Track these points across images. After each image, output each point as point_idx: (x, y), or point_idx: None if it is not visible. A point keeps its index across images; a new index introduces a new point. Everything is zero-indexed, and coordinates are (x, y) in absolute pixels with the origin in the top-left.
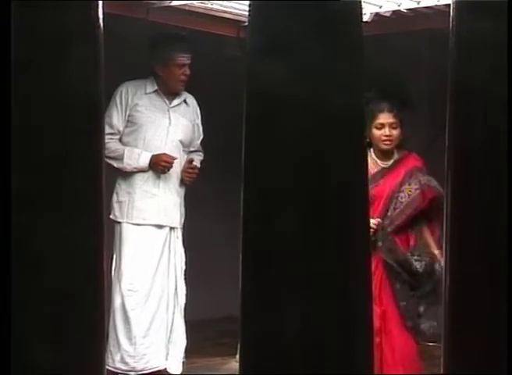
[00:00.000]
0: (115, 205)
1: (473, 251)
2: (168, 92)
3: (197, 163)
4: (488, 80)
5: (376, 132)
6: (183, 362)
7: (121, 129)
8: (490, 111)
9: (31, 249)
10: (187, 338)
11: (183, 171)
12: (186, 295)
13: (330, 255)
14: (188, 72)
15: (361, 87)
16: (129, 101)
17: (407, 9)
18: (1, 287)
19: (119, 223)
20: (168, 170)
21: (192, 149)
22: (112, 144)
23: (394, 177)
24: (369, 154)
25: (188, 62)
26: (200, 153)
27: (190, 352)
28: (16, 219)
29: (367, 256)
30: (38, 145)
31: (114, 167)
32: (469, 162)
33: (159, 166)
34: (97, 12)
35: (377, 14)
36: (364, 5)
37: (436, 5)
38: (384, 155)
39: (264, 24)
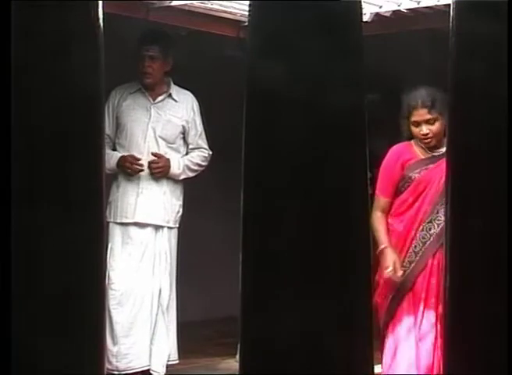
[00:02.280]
0: (107, 206)
1: (473, 251)
2: (147, 88)
3: (195, 159)
4: (489, 79)
5: (414, 129)
6: (168, 365)
7: (108, 132)
8: (490, 111)
9: (31, 249)
10: (188, 339)
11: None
12: (186, 296)
13: (330, 255)
14: (151, 64)
15: (361, 87)
16: (116, 104)
17: (407, 9)
18: (2, 287)
19: (108, 222)
20: (138, 171)
21: (191, 146)
22: None
23: None
24: (417, 143)
25: (149, 54)
26: (203, 150)
27: (190, 352)
28: (16, 218)
29: (367, 256)
30: (38, 145)
31: None
32: (469, 162)
33: (124, 167)
34: (97, 12)
35: (377, 14)
36: (364, 5)
37: (436, 5)
38: (431, 148)
39: (264, 24)
